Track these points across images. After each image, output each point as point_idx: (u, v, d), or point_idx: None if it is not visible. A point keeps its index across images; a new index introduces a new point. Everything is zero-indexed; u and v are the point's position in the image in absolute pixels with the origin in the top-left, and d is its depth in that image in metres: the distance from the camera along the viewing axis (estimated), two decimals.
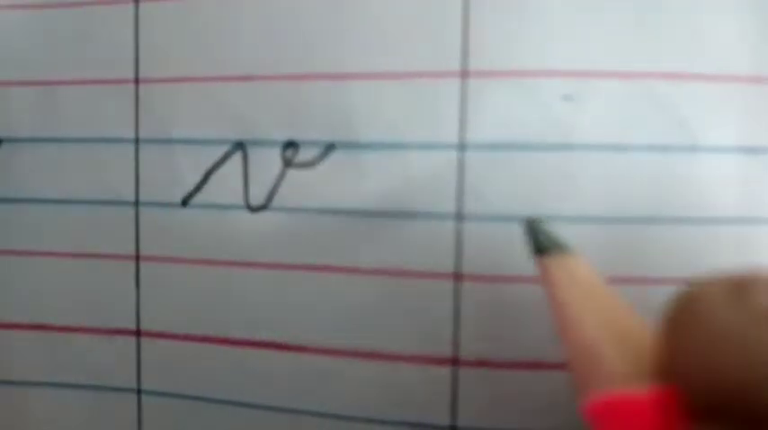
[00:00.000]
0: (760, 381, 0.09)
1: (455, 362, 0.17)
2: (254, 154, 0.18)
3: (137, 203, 0.19)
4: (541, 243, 0.14)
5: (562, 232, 0.14)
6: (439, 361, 0.17)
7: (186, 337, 0.19)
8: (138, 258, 0.19)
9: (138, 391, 0.20)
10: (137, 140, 0.19)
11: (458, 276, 0.17)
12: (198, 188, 0.19)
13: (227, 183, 0.19)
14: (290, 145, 0.18)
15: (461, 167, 0.17)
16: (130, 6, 0.19)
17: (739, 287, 0.09)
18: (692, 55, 0.16)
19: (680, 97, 0.15)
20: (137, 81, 0.19)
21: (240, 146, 0.18)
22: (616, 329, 0.12)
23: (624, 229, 0.16)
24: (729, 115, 0.15)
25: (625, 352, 0.11)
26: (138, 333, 0.19)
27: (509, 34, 0.16)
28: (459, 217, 0.17)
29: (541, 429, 0.17)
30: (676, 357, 0.10)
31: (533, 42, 0.16)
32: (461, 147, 0.17)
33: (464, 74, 0.17)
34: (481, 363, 0.17)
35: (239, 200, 0.18)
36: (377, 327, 0.18)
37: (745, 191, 0.15)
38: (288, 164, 0.18)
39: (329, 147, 0.18)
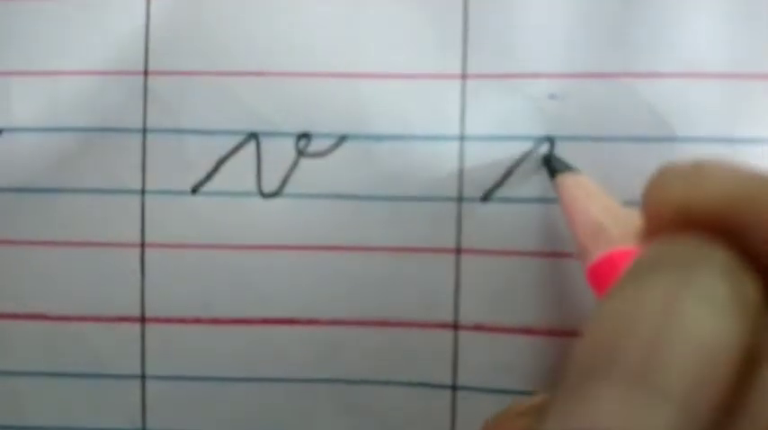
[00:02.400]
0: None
1: (455, 327, 0.20)
2: (267, 144, 0.20)
3: (143, 192, 0.20)
4: (556, 166, 0.19)
5: None
6: (441, 326, 0.20)
7: (196, 321, 0.20)
8: (143, 245, 0.20)
9: (143, 377, 0.20)
10: (144, 130, 0.20)
11: (458, 251, 0.19)
12: (209, 176, 0.20)
13: (239, 172, 0.20)
14: (304, 136, 0.20)
15: (461, 156, 0.19)
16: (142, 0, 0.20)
17: (697, 160, 0.12)
18: (668, 54, 0.19)
19: (658, 93, 0.19)
20: (146, 73, 0.20)
21: (254, 136, 0.20)
22: (613, 213, 0.16)
23: None
24: (707, 109, 0.19)
25: (620, 226, 0.16)
26: (142, 319, 0.20)
27: (502, 41, 0.19)
28: (460, 199, 0.19)
29: (531, 387, 0.19)
30: (644, 204, 0.13)
31: (523, 48, 0.19)
32: (461, 138, 0.19)
33: (464, 75, 0.19)
34: (478, 328, 0.20)
35: (252, 187, 0.20)
36: (385, 299, 0.20)
37: None
38: (301, 153, 0.20)
39: (341, 139, 0.19)
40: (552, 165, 0.19)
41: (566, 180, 0.18)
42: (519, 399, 0.14)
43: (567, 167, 0.18)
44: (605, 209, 0.16)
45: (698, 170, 0.11)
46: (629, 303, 0.09)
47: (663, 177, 0.12)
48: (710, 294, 0.09)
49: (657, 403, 0.08)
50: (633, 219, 0.15)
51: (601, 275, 0.15)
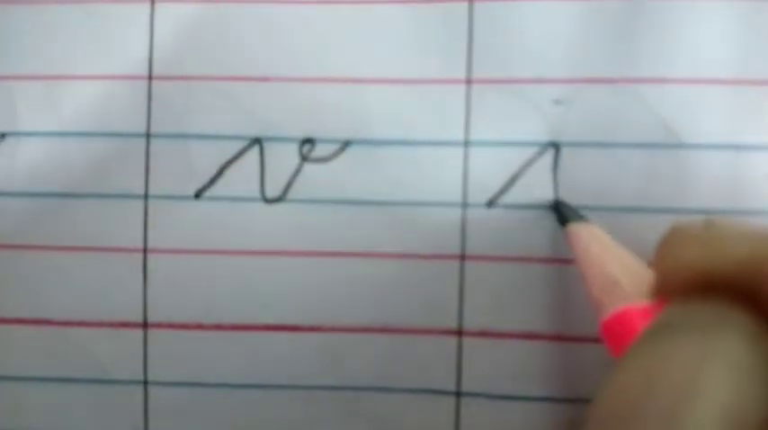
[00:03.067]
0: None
1: (459, 333, 0.19)
2: (270, 149, 0.20)
3: (146, 197, 0.20)
4: (567, 216, 0.18)
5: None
6: (445, 332, 0.20)
7: (199, 326, 0.20)
8: (145, 251, 0.20)
9: (145, 383, 0.20)
10: (148, 135, 0.20)
11: (462, 257, 0.19)
12: (212, 181, 0.20)
13: (242, 177, 0.20)
14: (307, 141, 0.20)
15: (466, 162, 0.19)
16: (146, 5, 0.19)
17: (709, 220, 0.12)
18: (674, 60, 0.19)
19: (664, 99, 0.19)
20: (150, 78, 0.20)
21: (257, 141, 0.20)
22: (627, 267, 0.16)
23: (611, 220, 0.19)
24: (714, 115, 0.19)
25: (633, 281, 0.15)
26: (144, 325, 0.20)
27: (507, 47, 0.19)
28: (464, 205, 0.19)
29: (535, 394, 0.19)
30: (658, 263, 0.13)
31: (528, 53, 0.19)
32: (466, 143, 0.19)
33: (468, 81, 0.19)
34: (483, 334, 0.19)
35: (255, 192, 0.20)
36: (388, 304, 0.19)
37: (731, 186, 0.19)
38: (305, 159, 0.20)
39: (346, 144, 0.19)
40: (562, 213, 0.19)
41: (579, 230, 0.18)
42: (564, 414, 0.14)
43: (577, 216, 0.18)
44: (620, 262, 0.16)
45: (711, 232, 0.12)
46: (651, 365, 0.09)
47: (676, 238, 0.12)
48: (734, 358, 0.09)
49: None
50: (647, 274, 0.15)
51: (615, 331, 0.15)
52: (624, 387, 0.09)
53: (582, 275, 0.17)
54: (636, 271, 0.16)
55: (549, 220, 0.19)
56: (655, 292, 0.14)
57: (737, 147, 0.19)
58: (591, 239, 0.17)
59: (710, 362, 0.09)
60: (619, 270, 0.16)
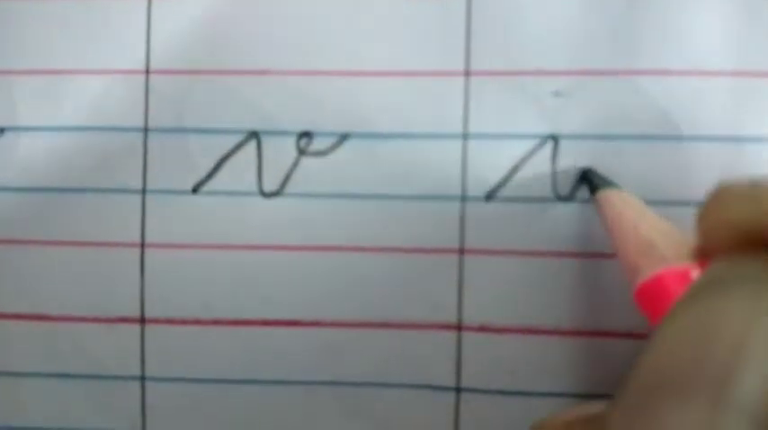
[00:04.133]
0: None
1: (459, 327, 0.19)
2: (268, 143, 0.19)
3: (143, 191, 0.20)
4: (597, 183, 0.18)
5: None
6: (444, 327, 0.19)
7: (196, 322, 0.20)
8: (143, 246, 0.20)
9: (142, 378, 0.20)
10: (146, 129, 0.20)
11: (461, 250, 0.19)
12: (210, 175, 0.20)
13: (240, 171, 0.19)
14: (305, 135, 0.19)
15: (464, 155, 0.19)
16: (144, 0, 0.19)
17: (754, 179, 0.12)
18: (675, 51, 0.19)
19: (664, 91, 0.19)
20: (147, 72, 0.20)
21: (254, 135, 0.19)
22: (663, 231, 0.16)
23: None
24: (714, 107, 0.18)
25: (670, 244, 0.15)
26: (142, 320, 0.20)
27: (506, 38, 0.19)
28: (463, 198, 0.19)
29: (535, 388, 0.19)
30: (702, 222, 0.13)
31: (527, 45, 0.19)
32: (465, 136, 0.19)
33: (467, 73, 0.19)
34: (482, 329, 0.19)
35: (253, 186, 0.19)
36: (387, 299, 0.19)
37: (731, 177, 0.18)
38: (302, 152, 0.19)
39: (343, 137, 0.19)
40: (592, 181, 0.18)
41: (611, 196, 0.17)
42: (564, 408, 0.14)
43: (607, 183, 0.18)
44: (655, 226, 0.16)
45: (757, 190, 0.11)
46: (704, 319, 0.09)
47: (721, 198, 0.12)
48: None
49: (738, 423, 0.08)
50: (682, 237, 0.15)
51: (651, 294, 0.15)
52: (674, 344, 0.09)
53: (614, 241, 0.17)
54: (672, 234, 0.16)
55: (549, 213, 0.19)
56: (697, 253, 0.14)
57: (737, 139, 0.18)
58: (624, 204, 0.17)
59: (763, 315, 0.09)
60: (655, 233, 0.16)
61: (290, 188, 0.19)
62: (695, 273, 0.14)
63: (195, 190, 0.20)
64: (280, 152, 0.19)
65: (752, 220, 0.11)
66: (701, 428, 0.08)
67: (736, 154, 0.18)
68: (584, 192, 0.19)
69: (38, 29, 0.20)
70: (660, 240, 0.15)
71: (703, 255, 0.14)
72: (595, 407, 0.13)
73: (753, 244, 0.11)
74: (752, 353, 0.08)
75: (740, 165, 0.18)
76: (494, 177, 0.19)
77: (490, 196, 0.19)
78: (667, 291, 0.14)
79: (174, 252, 0.20)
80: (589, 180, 0.18)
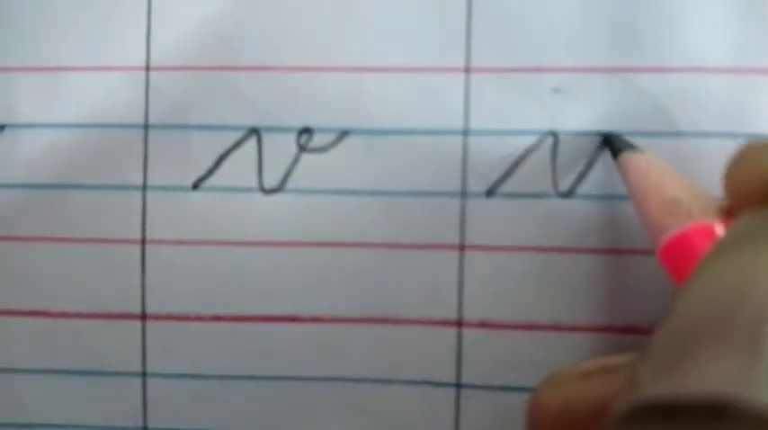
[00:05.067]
0: None
1: (459, 324, 0.19)
2: (268, 139, 0.19)
3: (144, 188, 0.20)
4: (619, 146, 0.18)
5: None
6: (445, 323, 0.19)
7: (197, 318, 0.20)
8: (144, 242, 0.20)
9: (143, 375, 0.20)
10: (146, 126, 0.20)
11: (462, 247, 0.19)
12: (210, 172, 0.20)
13: (240, 167, 0.20)
14: (305, 131, 0.19)
15: (465, 151, 0.19)
16: None
17: None
18: (673, 48, 0.19)
19: (662, 88, 0.19)
20: (147, 68, 0.20)
21: (255, 131, 0.19)
22: (688, 189, 0.16)
23: (611, 208, 0.19)
24: (712, 104, 0.18)
25: (697, 201, 0.15)
26: (143, 316, 0.20)
27: (506, 35, 0.19)
28: (464, 194, 0.19)
29: (535, 384, 0.19)
30: (731, 176, 0.13)
31: (527, 42, 0.19)
32: (465, 133, 0.19)
33: (467, 69, 0.19)
34: (483, 325, 0.19)
35: (253, 183, 0.20)
36: (387, 295, 0.19)
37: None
38: (302, 149, 0.19)
39: (343, 134, 0.19)
40: (614, 145, 0.18)
41: (634, 157, 0.17)
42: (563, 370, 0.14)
43: (630, 146, 0.18)
44: (680, 184, 0.16)
45: None
46: (737, 269, 0.09)
47: (750, 154, 0.12)
48: None
49: None
50: (707, 196, 0.15)
51: (678, 251, 0.15)
52: (706, 296, 0.09)
53: (638, 203, 0.17)
54: (698, 192, 0.16)
55: (549, 209, 0.19)
56: (724, 209, 0.14)
57: (735, 135, 0.18)
58: (649, 165, 0.17)
59: None
60: (681, 191, 0.16)
61: (290, 184, 0.19)
62: (721, 230, 0.14)
63: (196, 186, 0.20)
64: (280, 148, 0.19)
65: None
66: (737, 374, 0.08)
67: (734, 150, 0.19)
68: (584, 187, 0.19)
69: (38, 25, 0.20)
70: (686, 197, 0.15)
71: (730, 211, 0.14)
72: (614, 360, 0.12)
73: None
74: None
75: None
76: (494, 173, 0.19)
77: (491, 192, 0.19)
78: (693, 248, 0.14)
79: (175, 248, 0.20)
80: (611, 143, 0.18)
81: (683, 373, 0.08)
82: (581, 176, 0.19)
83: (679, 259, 0.15)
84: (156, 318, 0.20)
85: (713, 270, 0.09)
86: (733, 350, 0.08)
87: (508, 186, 0.19)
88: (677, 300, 0.09)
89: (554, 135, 0.19)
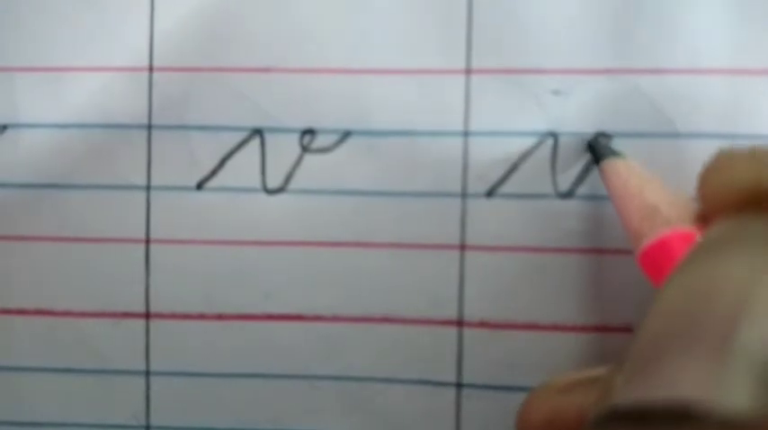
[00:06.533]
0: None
1: (460, 323, 0.20)
2: (271, 140, 0.20)
3: (148, 188, 0.20)
4: (601, 152, 0.18)
5: None
6: (445, 322, 0.20)
7: (200, 317, 0.20)
8: (147, 241, 0.20)
9: (147, 373, 0.20)
10: (149, 126, 0.20)
11: (462, 247, 0.19)
12: (214, 172, 0.20)
13: (243, 168, 0.20)
14: (308, 132, 0.20)
15: (465, 152, 0.19)
16: None
17: (753, 146, 0.13)
18: (672, 50, 0.19)
19: (661, 89, 0.19)
20: (151, 69, 0.20)
21: (258, 132, 0.20)
22: (666, 196, 0.16)
23: (610, 209, 0.19)
24: (711, 105, 0.19)
25: (674, 208, 0.15)
26: (147, 315, 0.20)
27: (507, 36, 0.19)
28: (464, 195, 0.19)
29: (536, 384, 0.19)
30: (704, 185, 0.13)
31: (527, 43, 0.19)
32: (465, 133, 0.19)
33: (468, 71, 0.19)
34: (483, 324, 0.19)
35: (256, 183, 0.20)
36: (388, 295, 0.20)
37: None
38: (305, 149, 0.20)
39: (346, 134, 0.20)
40: (597, 151, 0.19)
41: (615, 165, 0.18)
42: (560, 375, 0.14)
43: (612, 153, 0.18)
44: (660, 191, 0.16)
45: (757, 153, 0.12)
46: (708, 276, 0.09)
47: (722, 161, 0.13)
48: None
49: (741, 374, 0.08)
50: (686, 202, 0.15)
51: (655, 257, 0.15)
52: (678, 301, 0.09)
53: (619, 209, 0.17)
54: (676, 199, 0.16)
55: (549, 210, 0.19)
56: (700, 216, 0.14)
57: (733, 136, 0.19)
58: (629, 172, 0.17)
59: (766, 273, 0.09)
60: (659, 198, 0.16)
61: (293, 185, 0.20)
62: (699, 236, 0.15)
63: (199, 187, 0.20)
64: (283, 149, 0.20)
65: (753, 181, 0.11)
66: (704, 378, 0.08)
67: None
68: (584, 188, 0.19)
69: (40, 25, 0.20)
70: (664, 204, 0.16)
71: (706, 218, 0.14)
72: (596, 371, 0.13)
73: (754, 204, 0.11)
74: (754, 307, 0.08)
75: None
76: (494, 174, 0.19)
77: (491, 193, 0.19)
78: (671, 254, 0.15)
79: (179, 248, 0.20)
80: (594, 149, 0.19)
81: (652, 379, 0.08)
82: (581, 177, 0.19)
83: (657, 265, 0.15)
84: (160, 316, 0.20)
85: (685, 277, 0.09)
86: (702, 355, 0.08)
87: (508, 187, 0.19)
88: (650, 306, 0.09)
89: (554, 136, 0.19)
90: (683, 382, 0.08)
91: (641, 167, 0.17)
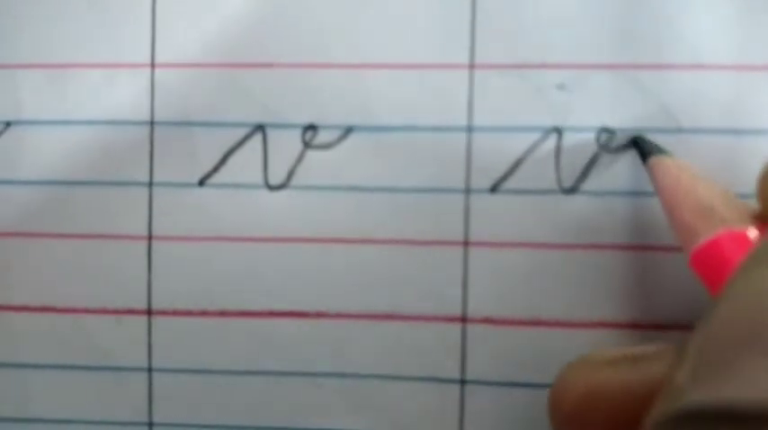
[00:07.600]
0: None
1: (463, 320, 0.19)
2: (273, 136, 0.20)
3: (150, 184, 0.20)
4: (648, 149, 0.18)
5: None
6: (449, 319, 0.19)
7: (203, 313, 0.20)
8: (150, 238, 0.20)
9: (149, 370, 0.20)
10: (152, 122, 0.20)
11: (466, 243, 0.19)
12: (216, 168, 0.20)
13: (246, 164, 0.20)
14: (310, 128, 0.20)
15: (469, 147, 0.19)
16: None
17: None
18: (676, 46, 0.19)
19: (664, 85, 0.19)
20: (153, 65, 0.20)
21: (260, 128, 0.20)
22: (722, 195, 0.16)
23: (613, 204, 0.19)
24: (714, 100, 0.19)
25: (730, 207, 0.15)
26: (149, 312, 0.20)
27: (510, 31, 0.19)
28: (468, 190, 0.19)
29: (540, 381, 0.19)
30: (764, 182, 0.13)
31: (531, 38, 0.19)
32: (469, 129, 0.19)
33: (471, 66, 0.19)
34: (487, 321, 0.19)
35: (258, 179, 0.20)
36: (392, 292, 0.19)
37: (730, 171, 0.18)
38: (307, 145, 0.20)
39: (348, 130, 0.19)
40: (643, 148, 0.18)
41: (665, 162, 0.17)
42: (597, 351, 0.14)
43: (660, 150, 0.18)
44: (713, 190, 0.16)
45: None
46: None
47: None
48: None
49: None
50: (741, 201, 0.15)
51: (711, 257, 0.15)
52: (748, 302, 0.09)
53: (669, 207, 0.16)
54: (731, 198, 0.15)
55: (553, 205, 0.19)
56: (759, 215, 0.14)
57: (737, 132, 0.19)
58: (680, 169, 0.17)
59: None
60: (714, 196, 0.16)
61: (295, 181, 0.20)
62: (754, 236, 0.14)
63: (201, 183, 0.20)
64: (285, 145, 0.20)
65: None
66: None
67: (735, 146, 0.19)
68: (588, 183, 0.19)
69: (43, 22, 0.20)
70: (719, 203, 0.15)
71: (764, 217, 0.14)
72: (637, 349, 0.12)
73: None
74: None
75: (740, 157, 0.19)
76: (498, 170, 0.19)
77: (494, 188, 0.19)
78: (726, 255, 0.14)
79: (181, 244, 0.20)
80: (640, 147, 0.18)
81: (729, 379, 0.08)
82: (585, 173, 0.19)
83: (711, 265, 0.15)
84: (162, 313, 0.20)
85: (752, 276, 0.09)
86: None
87: (512, 182, 0.19)
88: (716, 305, 0.09)
89: (558, 131, 0.19)
90: (760, 383, 0.08)
91: (692, 166, 0.17)
